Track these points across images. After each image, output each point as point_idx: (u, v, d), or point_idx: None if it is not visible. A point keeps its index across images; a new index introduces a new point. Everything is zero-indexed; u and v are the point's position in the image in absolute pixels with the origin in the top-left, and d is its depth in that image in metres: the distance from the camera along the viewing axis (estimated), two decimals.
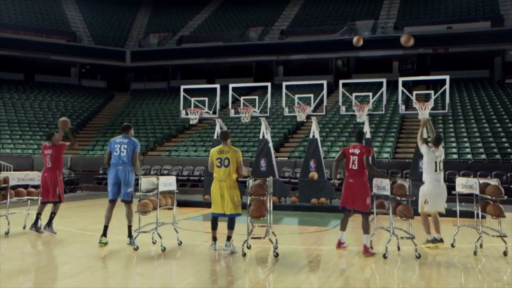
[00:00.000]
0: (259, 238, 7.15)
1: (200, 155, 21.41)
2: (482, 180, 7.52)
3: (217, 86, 15.32)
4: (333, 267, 6.50)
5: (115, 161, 7.67)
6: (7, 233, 8.48)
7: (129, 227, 7.71)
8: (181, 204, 13.05)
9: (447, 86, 13.26)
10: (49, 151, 8.84)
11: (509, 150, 19.08)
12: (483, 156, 18.63)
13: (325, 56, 31.75)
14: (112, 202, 7.74)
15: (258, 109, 14.85)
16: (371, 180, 7.56)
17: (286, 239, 8.47)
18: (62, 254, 7.38)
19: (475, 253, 7.19)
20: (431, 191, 7.62)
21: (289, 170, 18.37)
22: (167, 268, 6.51)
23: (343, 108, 14.42)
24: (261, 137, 14.90)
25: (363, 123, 14.29)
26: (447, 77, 13.41)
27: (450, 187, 8.48)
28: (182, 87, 15.60)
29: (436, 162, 7.60)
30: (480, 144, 19.75)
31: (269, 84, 15.04)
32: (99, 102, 32.01)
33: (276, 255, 6.91)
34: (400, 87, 13.59)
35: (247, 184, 7.21)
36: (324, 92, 14.29)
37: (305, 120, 15.82)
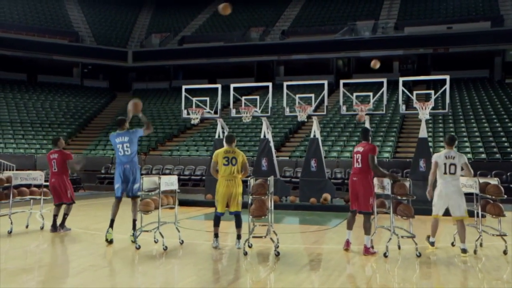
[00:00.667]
0: (261, 237, 7.17)
1: (202, 154, 21.46)
2: (482, 180, 7.52)
3: (219, 86, 15.39)
4: (334, 266, 6.54)
5: (120, 160, 7.82)
6: (10, 232, 8.54)
7: (134, 220, 7.87)
8: (183, 203, 13.09)
9: (447, 86, 13.30)
10: (55, 156, 8.97)
11: (509, 149, 19.10)
12: (483, 156, 18.66)
13: (326, 56, 31.79)
14: (119, 198, 7.89)
15: (259, 109, 14.91)
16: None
17: (287, 238, 8.50)
18: (65, 253, 7.44)
19: (475, 252, 7.20)
20: (436, 193, 7.46)
21: (290, 169, 18.42)
22: (169, 267, 6.56)
23: (343, 108, 14.46)
24: (262, 136, 14.95)
25: (363, 123, 14.33)
26: (447, 77, 13.46)
27: None
28: (184, 87, 15.66)
29: (445, 164, 7.34)
30: (480, 144, 19.78)
31: (270, 84, 15.09)
32: (101, 102, 32.08)
33: (277, 254, 6.94)
34: (401, 87, 13.63)
35: (248, 183, 7.26)
36: (325, 92, 14.33)
37: (306, 120, 15.87)
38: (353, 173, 7.37)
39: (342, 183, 17.17)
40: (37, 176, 9.35)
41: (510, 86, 27.98)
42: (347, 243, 7.41)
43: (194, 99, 15.43)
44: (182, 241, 7.77)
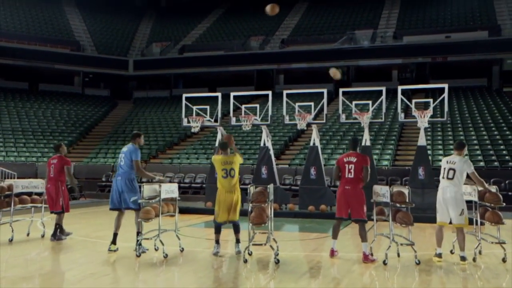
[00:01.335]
0: (260, 244, 7.20)
1: (202, 162, 21.52)
2: (481, 187, 7.51)
3: (219, 94, 15.48)
4: (333, 274, 6.57)
5: (117, 171, 7.88)
6: (11, 240, 8.56)
7: (138, 232, 7.73)
8: (183, 211, 13.07)
9: (445, 94, 13.39)
10: (54, 161, 8.99)
11: (507, 157, 19.17)
12: (482, 164, 18.70)
13: (325, 64, 31.70)
14: (113, 210, 7.84)
15: (259, 117, 14.99)
16: (369, 188, 7.63)
17: (287, 246, 8.53)
18: (65, 261, 7.46)
19: (474, 259, 7.21)
20: (437, 198, 7.43)
21: (290, 177, 18.46)
22: (169, 275, 6.58)
23: (343, 116, 14.54)
24: (262, 144, 15.02)
25: (363, 131, 14.40)
26: (445, 86, 13.54)
27: None
28: (184, 95, 15.75)
29: (444, 169, 7.33)
30: (478, 152, 19.83)
31: (270, 93, 15.16)
32: (102, 111, 32.20)
33: (277, 262, 6.97)
34: (400, 95, 13.71)
35: (248, 191, 7.32)
36: (324, 100, 14.42)
37: (305, 128, 15.94)
38: (345, 182, 7.36)
39: None
40: (38, 184, 9.38)
41: (508, 94, 28.10)
42: (332, 252, 7.44)
43: (194, 108, 15.51)
44: (183, 248, 7.80)
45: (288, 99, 14.72)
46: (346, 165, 7.37)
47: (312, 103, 14.84)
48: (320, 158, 14.33)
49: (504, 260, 7.18)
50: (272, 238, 7.26)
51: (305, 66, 32.26)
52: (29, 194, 9.74)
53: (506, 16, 31.96)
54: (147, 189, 7.42)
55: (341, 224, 7.60)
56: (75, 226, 10.93)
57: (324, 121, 15.46)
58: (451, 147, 20.20)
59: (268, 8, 8.87)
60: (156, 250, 7.71)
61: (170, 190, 7.77)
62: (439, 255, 7.36)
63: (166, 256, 7.28)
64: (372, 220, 7.55)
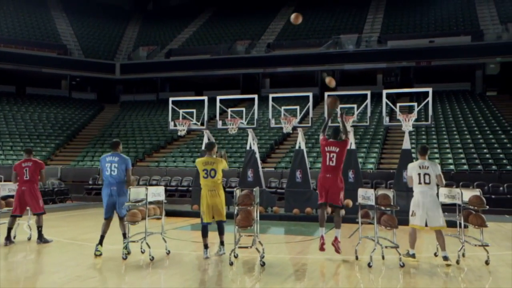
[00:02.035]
0: (246, 247, 7.24)
1: (189, 165, 21.50)
2: (464, 191, 7.61)
3: (205, 98, 15.49)
4: (319, 276, 6.63)
5: (107, 181, 7.70)
6: None
7: (124, 234, 7.77)
8: (170, 214, 13.03)
9: (430, 98, 13.55)
10: (28, 164, 8.92)
11: (490, 161, 19.46)
12: (465, 167, 18.99)
13: (310, 68, 32.10)
14: (107, 219, 7.80)
15: (245, 120, 15.06)
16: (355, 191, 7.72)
17: (273, 248, 8.59)
18: (52, 264, 7.42)
19: (457, 262, 7.30)
20: (414, 203, 7.55)
21: (276, 180, 18.54)
22: (155, 278, 6.60)
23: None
24: (248, 148, 15.08)
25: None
26: (430, 90, 13.72)
27: None
28: (171, 99, 15.77)
29: (419, 174, 7.47)
30: (462, 155, 20.11)
31: (256, 96, 15.22)
32: (89, 114, 32.06)
33: (263, 264, 7.01)
34: (384, 99, 13.86)
35: (234, 194, 7.36)
36: (310, 104, 14.52)
37: (291, 132, 16.03)
38: (326, 170, 7.55)
39: None
40: None
41: (491, 98, 28.55)
42: (322, 238, 7.42)
43: (181, 111, 15.51)
44: (169, 251, 7.81)
45: (274, 103, 14.79)
46: (328, 154, 7.57)
47: (297, 107, 14.91)
48: (305, 162, 14.42)
49: (487, 263, 7.28)
50: (258, 241, 7.31)
51: (291, 70, 32.41)
52: None
53: (488, 21, 32.49)
54: (134, 192, 7.42)
55: (326, 227, 7.67)
56: (61, 229, 10.88)
57: (309, 124, 15.57)
58: (436, 150, 20.58)
59: (292, 16, 9.24)
60: (142, 252, 7.71)
61: (156, 193, 7.78)
62: (413, 255, 7.56)
63: (152, 259, 7.28)
64: (357, 222, 7.65)
